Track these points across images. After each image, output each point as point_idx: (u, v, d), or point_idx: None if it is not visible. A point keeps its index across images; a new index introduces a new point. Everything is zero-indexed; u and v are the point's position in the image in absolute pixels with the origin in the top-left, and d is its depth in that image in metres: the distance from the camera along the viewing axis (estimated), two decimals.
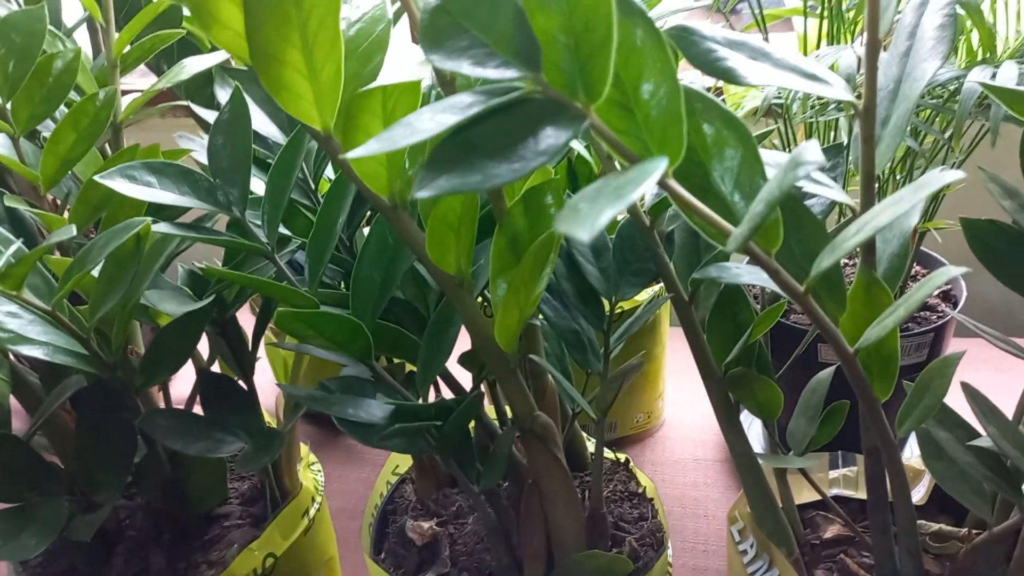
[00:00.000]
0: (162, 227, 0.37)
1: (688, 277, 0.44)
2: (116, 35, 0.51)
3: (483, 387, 0.49)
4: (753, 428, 0.81)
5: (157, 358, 0.44)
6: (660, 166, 0.22)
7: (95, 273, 0.38)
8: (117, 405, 0.46)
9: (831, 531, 0.51)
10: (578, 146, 0.47)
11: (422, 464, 0.55)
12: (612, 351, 0.44)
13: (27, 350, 0.40)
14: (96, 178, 0.38)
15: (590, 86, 0.23)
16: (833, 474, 0.53)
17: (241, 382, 0.51)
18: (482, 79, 0.26)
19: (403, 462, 0.59)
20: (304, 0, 0.30)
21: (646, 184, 0.21)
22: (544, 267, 0.38)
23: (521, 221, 0.40)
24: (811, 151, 0.22)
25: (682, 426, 0.87)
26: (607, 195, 0.21)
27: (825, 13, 0.59)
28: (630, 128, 0.25)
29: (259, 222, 0.42)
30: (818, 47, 0.63)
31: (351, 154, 0.23)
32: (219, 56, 0.48)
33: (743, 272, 0.36)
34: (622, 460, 0.55)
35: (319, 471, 0.60)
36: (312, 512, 0.55)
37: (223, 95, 0.48)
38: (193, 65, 0.47)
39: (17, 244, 0.35)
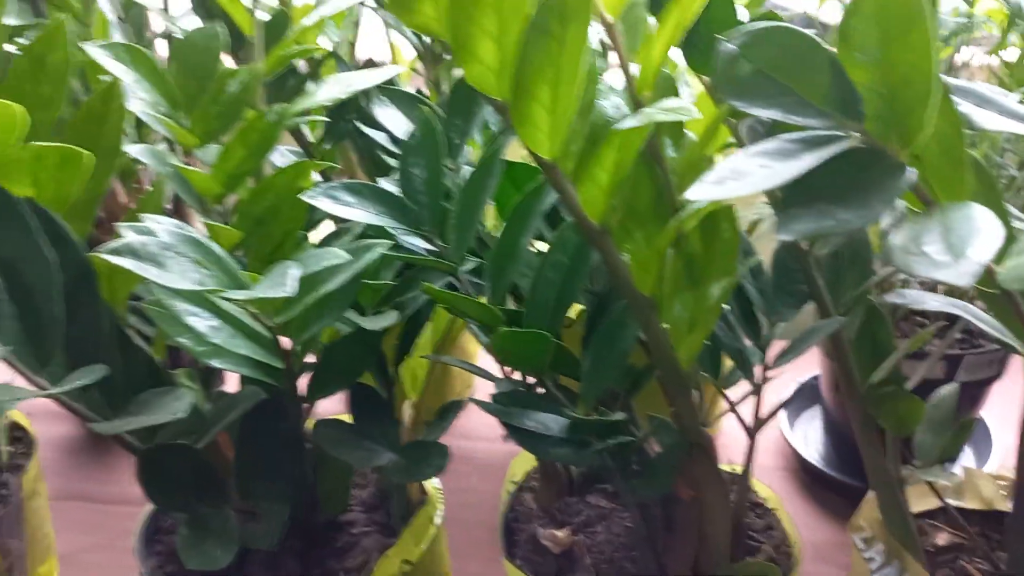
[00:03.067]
0: (380, 251, 0.38)
1: (833, 298, 0.46)
2: (263, 53, 0.52)
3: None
4: (810, 439, 0.84)
5: (328, 371, 0.46)
6: (980, 211, 0.24)
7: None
8: (282, 416, 0.47)
9: (942, 539, 0.54)
10: None
11: (546, 473, 0.57)
12: (771, 368, 0.46)
13: (222, 363, 0.41)
14: (303, 197, 0.40)
15: (906, 135, 0.26)
16: (942, 483, 0.56)
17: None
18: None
19: (519, 471, 0.60)
20: (567, 36, 0.32)
21: (995, 227, 0.23)
22: (728, 293, 0.40)
23: (698, 245, 0.42)
24: None
25: (738, 434, 0.90)
26: (958, 240, 0.23)
27: None
28: (919, 172, 0.28)
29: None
30: None
31: (695, 192, 0.25)
32: (377, 77, 0.49)
33: (928, 300, 0.39)
34: (739, 471, 0.57)
35: (435, 479, 0.62)
36: (437, 519, 0.57)
37: (381, 114, 0.50)
38: (359, 81, 0.48)
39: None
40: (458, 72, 0.82)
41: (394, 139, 0.49)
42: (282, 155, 0.63)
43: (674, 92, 0.42)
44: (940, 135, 0.27)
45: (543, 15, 0.32)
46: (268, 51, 0.54)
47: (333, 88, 0.51)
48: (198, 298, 0.39)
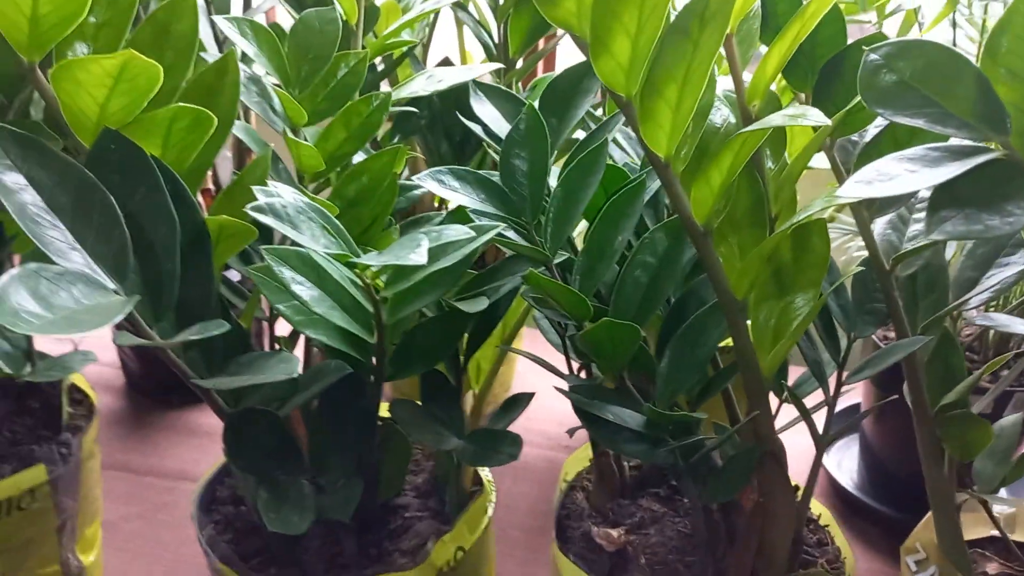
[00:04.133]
0: (493, 232, 0.39)
1: (911, 320, 0.47)
2: (360, 41, 0.54)
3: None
4: (844, 466, 0.84)
5: (411, 353, 0.47)
6: None
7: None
8: (361, 393, 0.48)
9: (992, 567, 0.54)
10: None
11: (601, 473, 0.58)
12: (845, 384, 0.47)
13: (318, 334, 0.42)
14: (414, 178, 0.41)
15: None
16: (996, 512, 0.57)
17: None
18: None
19: (571, 471, 0.61)
20: (702, 39, 0.34)
21: None
22: (817, 305, 0.41)
23: (787, 255, 0.43)
24: None
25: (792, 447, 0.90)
26: None
27: None
28: None
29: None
30: None
31: (844, 191, 0.26)
32: (474, 72, 0.50)
33: (1016, 325, 0.40)
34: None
35: (486, 468, 0.62)
36: (490, 511, 0.58)
37: (478, 107, 0.51)
38: (451, 77, 0.49)
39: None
40: (527, 79, 0.83)
41: (488, 131, 0.50)
42: None
43: (778, 105, 0.44)
44: None
45: (684, 15, 0.33)
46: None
47: (425, 82, 0.52)
48: (304, 267, 0.40)
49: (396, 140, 0.70)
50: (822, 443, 0.47)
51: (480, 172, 0.43)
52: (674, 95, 0.35)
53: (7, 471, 0.57)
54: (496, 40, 0.75)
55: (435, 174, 0.42)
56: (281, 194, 0.36)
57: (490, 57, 0.78)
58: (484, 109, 0.51)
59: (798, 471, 0.89)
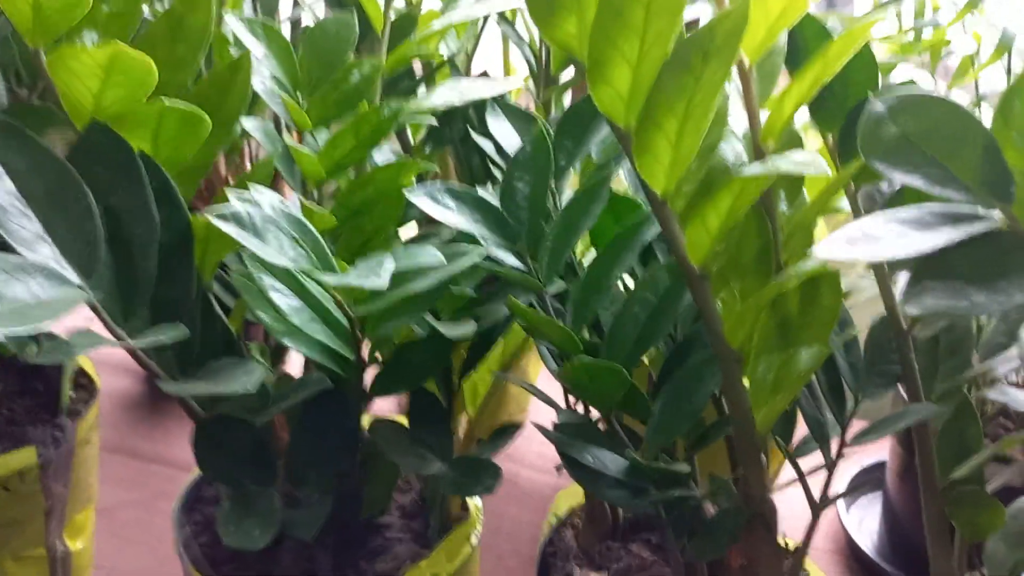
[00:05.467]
0: (475, 258, 0.37)
1: (928, 385, 0.44)
2: (385, 50, 0.53)
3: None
4: (865, 526, 0.80)
5: (396, 371, 0.45)
6: None
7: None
8: (343, 408, 0.46)
9: None
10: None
11: (592, 513, 0.56)
12: (849, 446, 0.44)
13: (295, 344, 0.41)
14: (406, 194, 0.40)
15: None
16: None
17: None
18: None
19: (563, 506, 0.59)
20: (705, 75, 0.32)
21: None
22: (819, 362, 0.39)
23: (795, 307, 0.41)
24: None
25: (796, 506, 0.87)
26: None
27: None
28: None
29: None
30: None
31: (824, 249, 0.24)
32: (497, 87, 0.49)
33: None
34: (791, 547, 0.55)
35: (475, 497, 0.61)
36: (474, 540, 0.56)
37: (493, 124, 0.49)
38: (475, 90, 0.48)
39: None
40: (569, 97, 0.82)
41: (500, 150, 0.49)
42: (384, 153, 0.63)
43: (799, 146, 0.41)
44: None
45: (686, 48, 0.31)
46: (391, 50, 0.55)
47: (448, 93, 0.51)
48: (284, 276, 0.39)
49: (429, 150, 0.69)
50: (818, 509, 0.44)
51: (479, 193, 0.42)
52: (674, 130, 0.33)
53: (1, 449, 0.57)
54: (539, 54, 0.74)
55: (430, 191, 0.40)
56: (259, 200, 0.35)
57: (531, 72, 0.77)
58: (499, 126, 0.49)
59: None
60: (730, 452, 0.49)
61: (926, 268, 0.23)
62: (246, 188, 0.45)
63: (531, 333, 0.44)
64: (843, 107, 0.41)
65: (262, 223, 0.32)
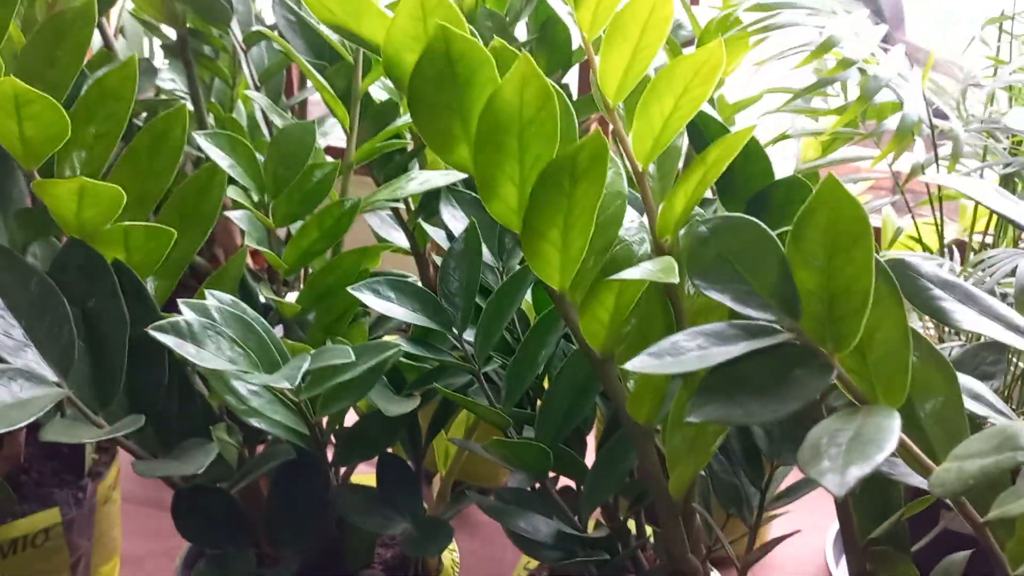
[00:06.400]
0: (413, 348, 0.42)
1: None
2: (355, 145, 0.58)
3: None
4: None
5: (356, 441, 0.50)
6: (896, 423, 0.26)
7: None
8: (313, 476, 0.51)
9: None
10: None
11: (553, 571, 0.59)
12: (768, 510, 0.47)
13: (261, 424, 0.46)
14: (349, 289, 0.45)
15: (839, 339, 0.28)
16: None
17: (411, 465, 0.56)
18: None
19: (534, 561, 0.63)
20: (577, 192, 0.36)
21: (891, 444, 0.25)
22: (724, 431, 0.42)
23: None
24: None
25: (786, 556, 0.89)
26: (853, 452, 0.25)
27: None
28: (860, 369, 0.30)
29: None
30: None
31: (634, 364, 0.28)
32: (452, 177, 0.53)
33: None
34: None
35: (455, 549, 0.65)
36: None
37: (447, 214, 0.54)
38: (426, 181, 0.53)
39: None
40: None
41: (451, 237, 0.54)
42: (382, 220, 0.68)
43: None
44: (886, 339, 0.29)
45: (555, 171, 0.35)
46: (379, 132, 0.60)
47: (411, 184, 0.56)
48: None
49: (420, 219, 0.74)
50: (742, 569, 0.47)
51: (416, 283, 0.46)
52: (558, 238, 0.37)
53: (27, 511, 0.64)
54: None
55: (371, 284, 0.45)
56: (210, 305, 0.40)
57: None
58: (451, 214, 0.54)
59: (799, 571, 0.87)
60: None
61: (714, 379, 0.27)
62: (225, 279, 0.51)
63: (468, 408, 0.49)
64: (744, 194, 0.45)
65: (200, 330, 0.37)
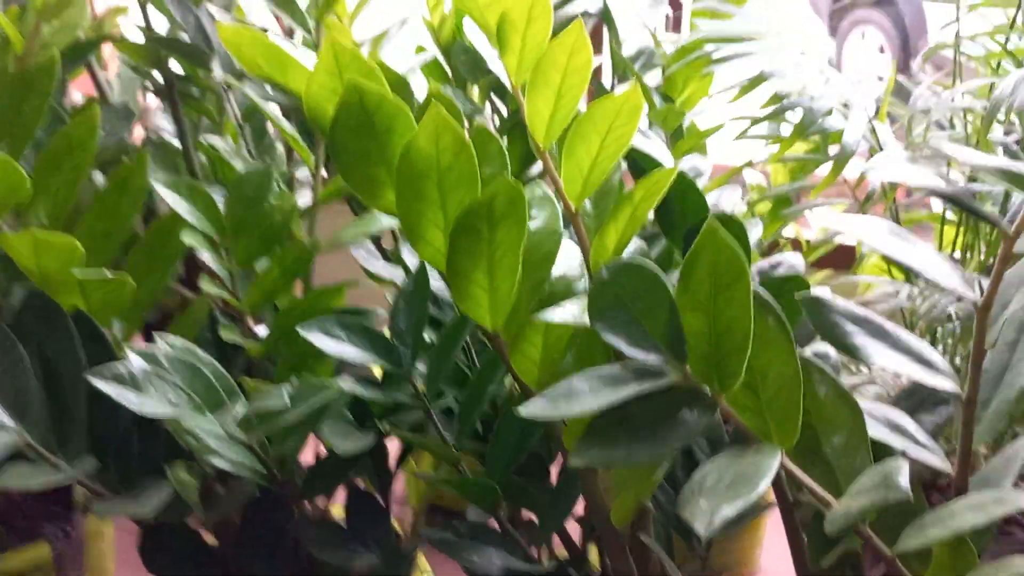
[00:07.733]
0: (355, 388, 0.43)
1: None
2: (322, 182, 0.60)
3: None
4: None
5: (319, 477, 0.51)
6: (775, 462, 0.27)
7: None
8: (278, 508, 0.53)
9: None
10: None
11: None
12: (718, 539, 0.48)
13: (219, 463, 0.47)
14: (298, 329, 0.46)
15: (724, 379, 0.28)
16: None
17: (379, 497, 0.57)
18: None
19: None
20: (496, 237, 0.37)
21: (764, 483, 0.25)
22: (661, 465, 0.43)
23: None
24: (902, 478, 0.26)
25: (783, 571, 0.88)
26: (727, 490, 0.25)
27: (962, 227, 0.62)
28: (754, 406, 0.30)
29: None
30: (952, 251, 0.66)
31: (528, 409, 0.29)
32: None
33: None
34: None
35: (429, 572, 0.66)
36: None
37: (406, 251, 0.55)
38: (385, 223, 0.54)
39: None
40: None
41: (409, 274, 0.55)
42: (368, 252, 0.70)
43: None
44: (777, 376, 0.29)
45: (470, 218, 0.37)
46: None
47: (375, 223, 0.58)
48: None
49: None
50: None
51: (366, 324, 0.48)
52: (484, 280, 0.38)
53: (16, 544, 0.66)
54: None
55: (321, 323, 0.47)
56: (157, 351, 0.42)
57: None
58: (410, 251, 0.55)
59: None
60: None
61: (603, 420, 0.28)
62: (187, 323, 0.52)
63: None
64: (682, 227, 0.46)
65: (143, 377, 0.39)
